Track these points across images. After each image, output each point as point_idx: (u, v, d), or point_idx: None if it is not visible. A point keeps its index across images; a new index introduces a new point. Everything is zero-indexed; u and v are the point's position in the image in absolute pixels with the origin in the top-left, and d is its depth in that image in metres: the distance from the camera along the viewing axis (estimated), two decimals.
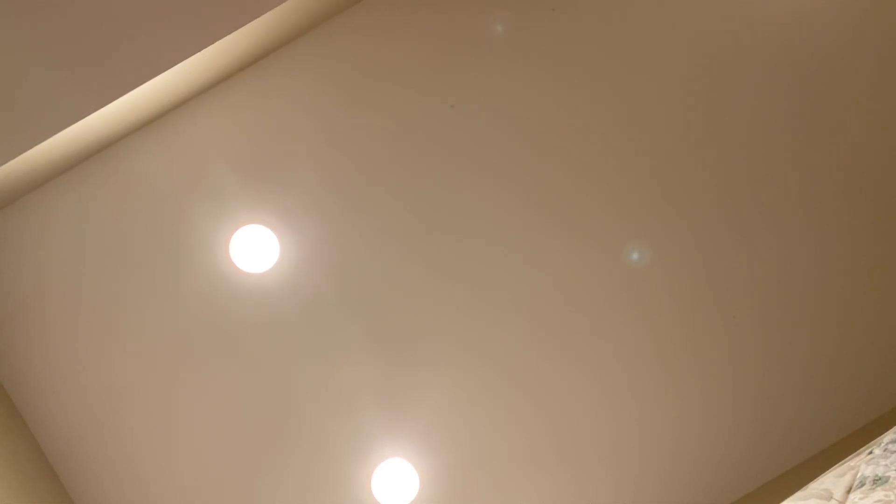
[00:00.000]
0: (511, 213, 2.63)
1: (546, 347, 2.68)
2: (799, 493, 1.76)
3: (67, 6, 2.05)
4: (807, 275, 2.69)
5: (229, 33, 2.12)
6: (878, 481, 1.58)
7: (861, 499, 1.55)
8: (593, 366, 2.70)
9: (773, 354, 2.71)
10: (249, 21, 2.12)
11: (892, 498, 1.48)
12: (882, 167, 2.68)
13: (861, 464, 1.72)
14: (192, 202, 2.55)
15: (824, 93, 2.63)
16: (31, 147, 2.10)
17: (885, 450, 1.70)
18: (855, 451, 1.90)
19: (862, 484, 1.62)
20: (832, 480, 1.73)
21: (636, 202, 2.64)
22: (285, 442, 2.67)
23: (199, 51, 2.11)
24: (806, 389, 2.72)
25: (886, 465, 1.62)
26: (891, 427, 1.88)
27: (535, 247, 2.65)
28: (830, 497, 1.66)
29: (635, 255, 2.66)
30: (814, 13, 2.58)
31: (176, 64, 2.12)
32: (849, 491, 1.65)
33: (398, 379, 2.67)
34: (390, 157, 2.59)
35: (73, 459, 2.60)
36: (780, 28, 2.58)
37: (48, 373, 2.57)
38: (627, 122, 2.61)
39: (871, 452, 1.74)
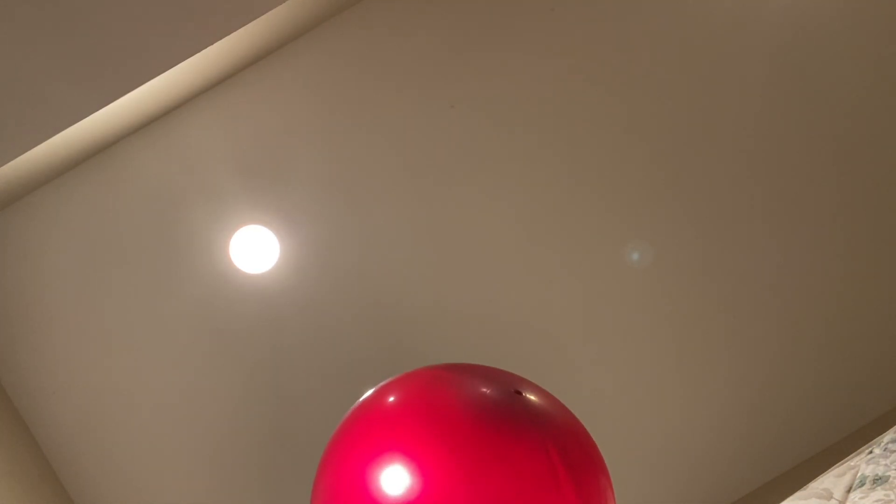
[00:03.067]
0: (511, 212, 2.63)
1: (544, 348, 2.68)
2: (799, 493, 1.76)
3: (67, 6, 2.05)
4: (808, 275, 2.69)
5: (229, 33, 2.12)
6: (878, 481, 1.58)
7: (861, 498, 1.55)
8: (590, 366, 2.70)
9: (774, 354, 2.70)
10: (249, 21, 2.12)
11: (893, 497, 1.48)
12: (884, 168, 2.68)
13: (861, 463, 1.72)
14: (192, 202, 2.55)
15: (825, 91, 2.63)
16: (31, 147, 2.10)
17: (886, 449, 1.70)
18: (855, 450, 1.90)
19: (862, 483, 1.62)
20: (832, 480, 1.73)
21: (638, 201, 2.64)
22: (284, 442, 2.67)
23: (200, 51, 2.11)
24: (806, 389, 2.72)
25: (886, 465, 1.62)
26: (891, 427, 1.89)
27: (536, 247, 2.65)
28: (830, 497, 1.66)
29: (636, 254, 2.66)
30: (814, 12, 2.58)
31: (176, 64, 2.11)
32: (849, 490, 1.65)
33: None
34: (390, 157, 2.59)
35: (73, 460, 2.60)
36: (780, 26, 2.58)
37: (48, 373, 2.57)
38: (628, 121, 2.61)
39: (871, 452, 1.75)
